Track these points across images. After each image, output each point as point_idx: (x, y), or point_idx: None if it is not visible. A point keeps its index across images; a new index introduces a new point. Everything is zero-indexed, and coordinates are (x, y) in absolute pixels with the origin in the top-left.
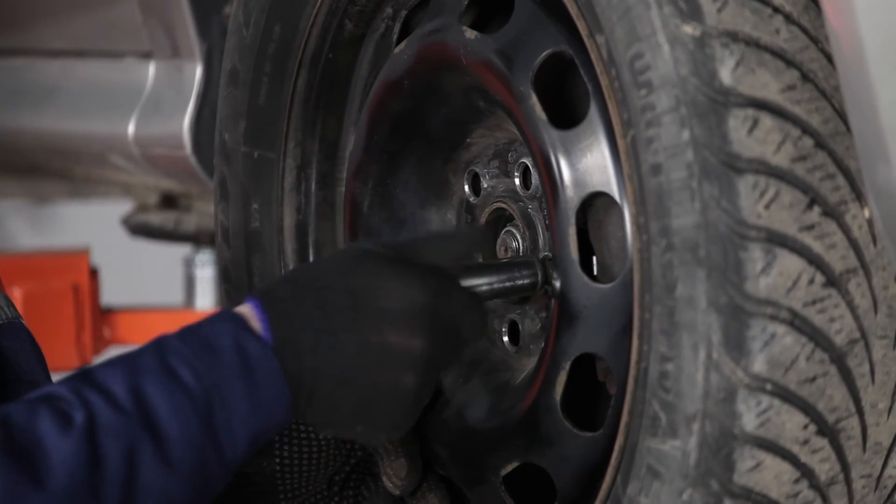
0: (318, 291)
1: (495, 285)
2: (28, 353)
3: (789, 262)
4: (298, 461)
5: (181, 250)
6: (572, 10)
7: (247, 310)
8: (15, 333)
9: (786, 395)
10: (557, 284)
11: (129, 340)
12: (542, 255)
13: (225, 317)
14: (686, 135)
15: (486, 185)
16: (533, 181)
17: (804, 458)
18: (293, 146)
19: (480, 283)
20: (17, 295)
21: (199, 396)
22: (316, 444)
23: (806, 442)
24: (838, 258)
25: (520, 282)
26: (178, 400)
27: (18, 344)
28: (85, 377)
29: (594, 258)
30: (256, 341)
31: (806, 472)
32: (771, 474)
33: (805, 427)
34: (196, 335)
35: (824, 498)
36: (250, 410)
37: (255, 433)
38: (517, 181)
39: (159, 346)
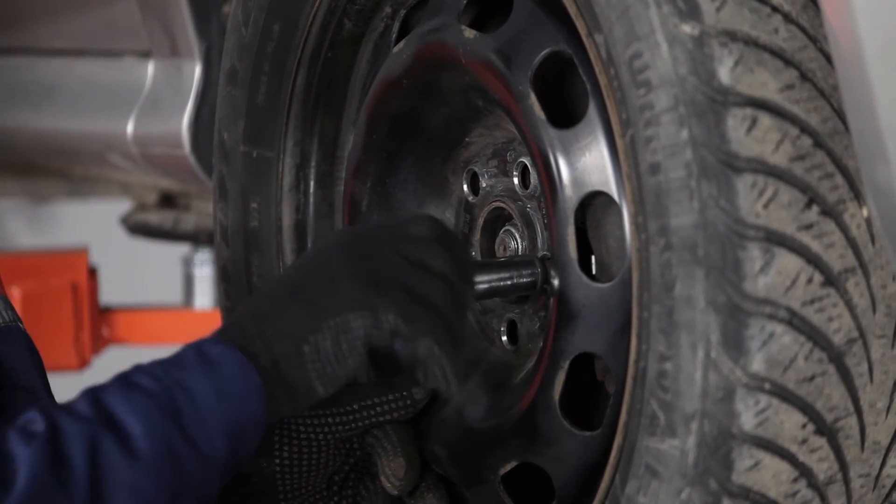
0: (271, 288)
1: (495, 283)
2: (24, 358)
3: (788, 262)
4: (298, 461)
5: (180, 249)
6: (571, 10)
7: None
8: (12, 337)
9: (784, 395)
10: (556, 283)
11: (128, 340)
12: (540, 254)
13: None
14: (685, 134)
15: (484, 185)
16: (532, 180)
17: (802, 457)
18: (292, 145)
19: (481, 280)
20: (15, 294)
21: (161, 395)
22: (315, 445)
23: (804, 441)
24: (837, 257)
25: (520, 280)
26: (137, 400)
27: (15, 348)
28: (50, 404)
29: (593, 257)
30: (215, 344)
31: (804, 472)
32: (769, 473)
33: (803, 426)
34: (158, 360)
35: (822, 497)
36: (219, 403)
37: (231, 426)
38: (516, 180)
39: (124, 373)
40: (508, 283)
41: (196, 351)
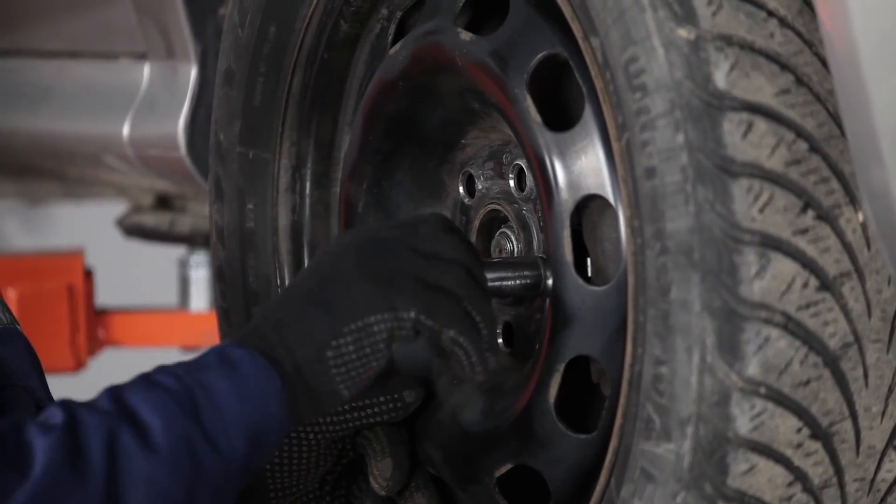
0: (291, 290)
1: (498, 282)
2: (22, 359)
3: (783, 266)
4: (289, 461)
5: (176, 251)
6: (567, 13)
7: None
8: (11, 339)
9: (779, 399)
10: (552, 286)
11: (123, 342)
12: (536, 256)
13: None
14: (680, 138)
15: (480, 187)
16: (527, 183)
17: (798, 461)
18: (288, 146)
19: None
20: (11, 296)
21: (181, 394)
22: (306, 445)
23: (799, 445)
24: (832, 262)
25: (524, 280)
26: (157, 397)
27: (14, 350)
28: (70, 400)
29: (588, 260)
30: (237, 347)
31: (799, 476)
32: (764, 478)
33: (799, 430)
34: (181, 362)
35: (818, 501)
36: (240, 404)
37: (251, 427)
38: (512, 183)
39: (146, 373)
40: (512, 282)
41: (218, 354)
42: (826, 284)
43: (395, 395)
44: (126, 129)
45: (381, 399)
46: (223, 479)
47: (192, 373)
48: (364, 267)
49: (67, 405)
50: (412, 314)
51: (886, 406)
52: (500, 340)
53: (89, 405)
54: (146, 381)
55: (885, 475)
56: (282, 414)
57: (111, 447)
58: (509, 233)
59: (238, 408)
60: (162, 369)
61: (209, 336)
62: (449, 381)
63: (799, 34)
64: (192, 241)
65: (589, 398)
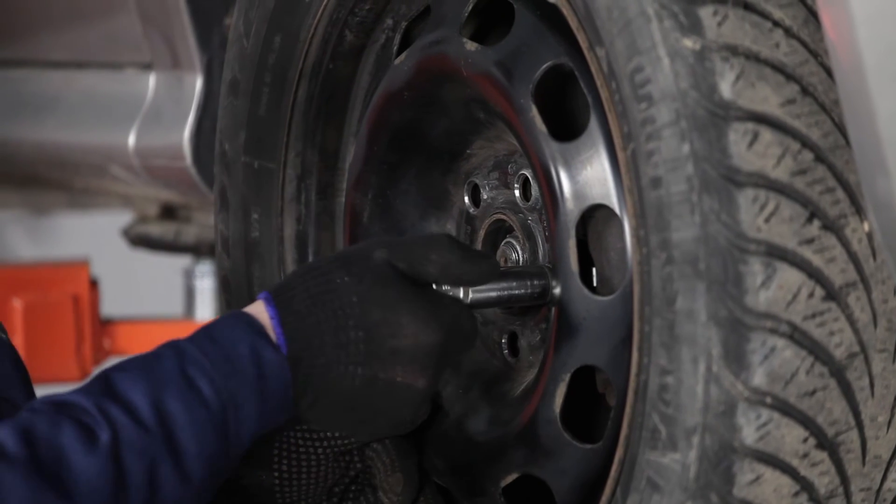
0: (335, 313)
1: (506, 292)
2: (6, 369)
3: (789, 276)
4: (297, 474)
5: (181, 261)
6: (572, 23)
7: (261, 312)
8: None
9: (785, 409)
10: (557, 296)
11: (129, 351)
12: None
13: (241, 321)
14: (686, 148)
15: (485, 197)
16: (533, 193)
17: (804, 471)
18: (293, 156)
19: (493, 288)
20: (17, 306)
21: (216, 410)
22: (315, 458)
23: (805, 455)
24: (838, 272)
25: (531, 291)
26: (197, 415)
27: None
28: (107, 388)
29: (594, 270)
30: (273, 351)
31: (805, 486)
32: (770, 487)
33: (805, 440)
34: (214, 342)
35: None
36: (258, 417)
37: (257, 434)
38: (517, 193)
39: (179, 353)
40: (520, 292)
41: (252, 355)
42: (832, 294)
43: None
44: (132, 140)
45: None
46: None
47: (228, 382)
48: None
49: (107, 413)
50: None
51: (892, 416)
52: (505, 350)
53: (129, 410)
54: (185, 379)
55: (891, 485)
56: (282, 424)
57: (152, 477)
58: (515, 243)
59: (257, 424)
60: (197, 363)
61: None
62: (455, 391)
63: (804, 44)
64: (198, 250)
65: (594, 408)
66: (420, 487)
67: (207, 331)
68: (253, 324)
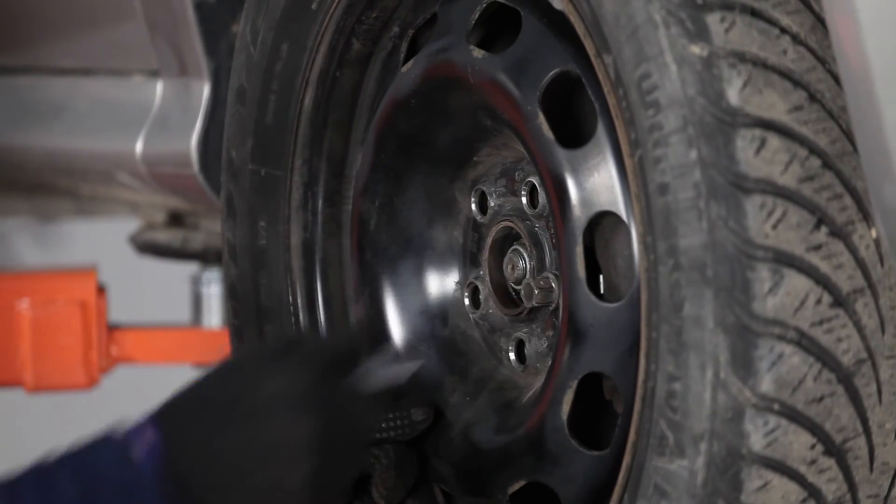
0: (204, 399)
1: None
2: None
3: (797, 282)
4: None
5: (188, 268)
6: (580, 30)
7: (140, 429)
8: None
9: (793, 415)
10: (564, 303)
11: (136, 358)
12: (548, 274)
13: (109, 442)
14: (693, 155)
15: (492, 204)
16: (540, 200)
17: (811, 478)
18: (300, 164)
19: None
20: (24, 313)
21: None
22: None
23: (813, 462)
24: (845, 278)
25: (411, 420)
26: None
27: None
28: None
29: (601, 277)
30: (136, 470)
31: (813, 493)
32: (778, 494)
33: (812, 447)
34: (77, 468)
35: None
36: None
37: None
38: (524, 200)
39: (40, 478)
40: (401, 423)
41: (115, 476)
42: (839, 301)
43: (404, 413)
44: (139, 147)
45: (389, 416)
46: None
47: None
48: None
49: None
50: None
51: None
52: (512, 356)
53: None
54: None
55: None
56: None
57: None
58: (522, 250)
59: None
60: (57, 490)
61: (222, 353)
62: (462, 398)
63: (812, 51)
64: (205, 258)
65: (602, 415)
66: (413, 491)
67: (76, 452)
68: (119, 444)
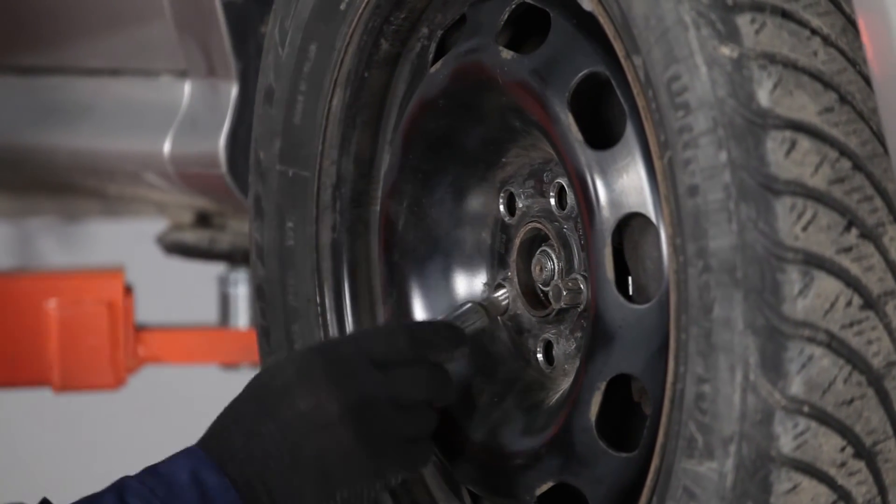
0: (254, 416)
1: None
2: None
3: (827, 285)
4: None
5: (216, 269)
6: (609, 31)
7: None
8: None
9: (823, 418)
10: (593, 304)
11: (164, 359)
12: (577, 275)
13: (183, 452)
14: (723, 156)
15: (521, 205)
16: (568, 201)
17: (841, 480)
18: (328, 165)
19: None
20: (51, 313)
21: None
22: None
23: (843, 464)
24: (876, 280)
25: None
26: None
27: None
28: None
29: (630, 278)
30: (215, 473)
31: (843, 495)
32: (807, 497)
33: (842, 450)
34: (155, 474)
35: None
36: None
37: None
38: (552, 201)
39: (120, 487)
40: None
41: (193, 479)
42: (870, 303)
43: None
44: (167, 147)
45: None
46: None
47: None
48: (355, 429)
49: None
50: (399, 478)
51: None
52: (540, 357)
53: None
54: None
55: None
56: None
57: None
58: (550, 251)
59: None
60: (137, 492)
61: (249, 353)
62: (490, 399)
63: (842, 52)
64: (232, 258)
65: (630, 416)
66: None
67: (152, 466)
68: (194, 452)
